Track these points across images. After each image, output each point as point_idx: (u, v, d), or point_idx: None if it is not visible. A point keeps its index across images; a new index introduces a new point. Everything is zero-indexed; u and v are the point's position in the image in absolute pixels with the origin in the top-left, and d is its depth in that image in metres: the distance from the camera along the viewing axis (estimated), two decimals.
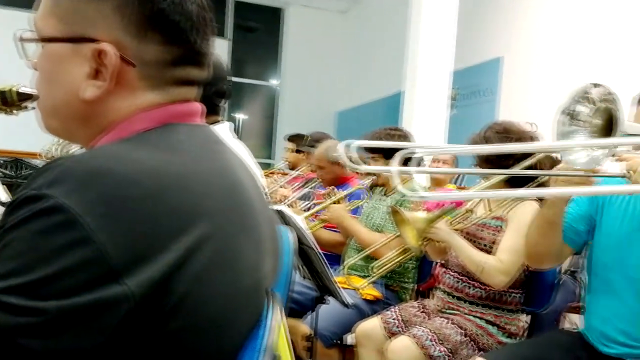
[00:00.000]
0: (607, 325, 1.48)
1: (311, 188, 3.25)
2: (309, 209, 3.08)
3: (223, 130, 1.47)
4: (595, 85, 1.16)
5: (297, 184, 3.58)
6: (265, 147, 9.33)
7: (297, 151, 3.86)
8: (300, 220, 1.77)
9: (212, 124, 1.46)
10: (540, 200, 1.96)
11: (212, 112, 1.48)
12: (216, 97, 1.46)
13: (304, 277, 2.04)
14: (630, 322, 1.44)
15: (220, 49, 8.60)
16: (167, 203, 0.60)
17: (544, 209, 1.52)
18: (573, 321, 3.09)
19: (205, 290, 0.62)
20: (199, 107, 0.78)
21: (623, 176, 1.26)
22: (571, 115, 1.22)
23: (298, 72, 8.80)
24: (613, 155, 1.18)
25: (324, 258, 1.80)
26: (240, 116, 9.40)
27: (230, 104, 8.95)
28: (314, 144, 3.30)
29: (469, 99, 6.22)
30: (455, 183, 4.21)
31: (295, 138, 3.99)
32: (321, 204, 2.64)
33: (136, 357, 0.60)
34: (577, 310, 2.56)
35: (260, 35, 9.37)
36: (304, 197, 3.23)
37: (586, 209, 1.55)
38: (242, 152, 1.46)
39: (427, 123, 4.76)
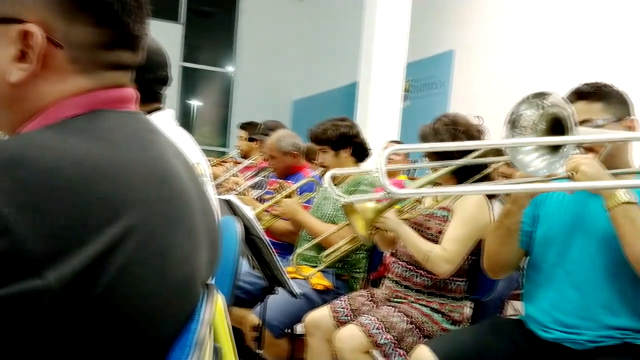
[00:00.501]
0: (545, 316, 1.54)
1: (264, 176, 3.23)
2: (260, 197, 3.06)
3: (165, 117, 1.44)
4: (547, 94, 1.19)
5: (249, 173, 3.54)
6: (220, 135, 9.21)
7: (250, 139, 3.82)
8: (248, 210, 1.75)
9: (153, 111, 1.42)
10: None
11: (153, 99, 1.44)
12: (156, 83, 1.42)
13: (253, 267, 2.03)
14: (566, 313, 1.50)
15: (173, 34, 8.43)
16: (90, 193, 0.58)
17: (503, 219, 1.55)
18: (516, 308, 3.20)
19: (131, 283, 0.61)
20: (132, 93, 0.75)
21: (568, 177, 1.32)
22: (513, 123, 1.25)
23: (254, 60, 8.70)
24: None
25: (273, 248, 1.80)
26: (194, 103, 9.24)
27: (184, 90, 8.80)
28: (267, 132, 3.27)
29: (422, 91, 6.31)
30: (407, 174, 4.27)
31: (248, 126, 3.95)
32: (273, 199, 2.62)
33: (63, 349, 0.58)
34: (520, 297, 2.65)
35: (215, 20, 9.21)
36: (256, 186, 3.21)
37: (530, 209, 1.59)
38: (184, 140, 1.43)
39: (381, 114, 4.80)
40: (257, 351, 2.06)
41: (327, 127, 2.49)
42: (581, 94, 1.51)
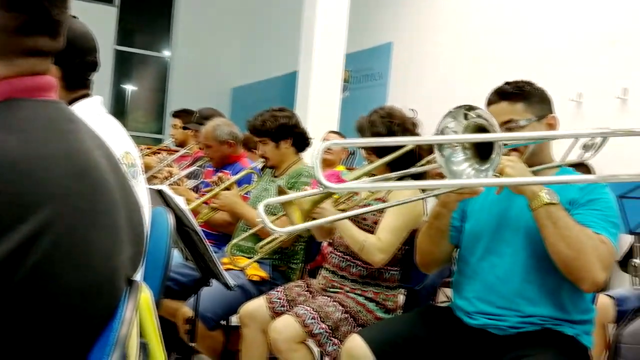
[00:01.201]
0: (470, 306, 1.60)
1: (199, 166, 3.16)
2: (196, 187, 3.00)
3: (92, 104, 1.38)
4: (467, 107, 1.23)
5: (185, 162, 3.46)
6: (155, 121, 8.96)
7: (184, 128, 3.73)
8: (181, 201, 1.71)
9: (80, 98, 1.36)
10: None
11: (81, 85, 1.37)
12: (84, 69, 1.36)
13: (187, 259, 1.99)
14: (489, 303, 1.56)
15: (107, 17, 8.09)
16: (1, 189, 0.54)
17: (434, 221, 1.60)
18: (448, 295, 3.31)
19: (48, 280, 0.58)
20: (51, 80, 0.71)
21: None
22: (439, 145, 1.30)
23: (191, 44, 8.48)
24: None
25: (207, 240, 1.77)
26: (129, 87, 8.94)
27: (117, 74, 8.49)
28: (201, 121, 3.19)
29: (362, 82, 6.38)
30: (345, 164, 4.31)
31: (182, 114, 3.84)
32: (212, 191, 2.56)
33: None
34: (451, 284, 2.75)
35: (151, 3, 8.90)
36: (191, 175, 3.13)
37: (459, 206, 1.64)
38: (113, 129, 1.37)
39: (321, 103, 4.81)
40: (190, 344, 2.02)
41: (266, 118, 2.46)
42: (503, 94, 1.56)
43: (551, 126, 1.57)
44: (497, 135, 1.24)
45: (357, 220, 2.03)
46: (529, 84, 1.58)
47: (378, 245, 1.92)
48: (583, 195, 1.49)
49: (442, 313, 1.69)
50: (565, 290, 1.50)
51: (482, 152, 1.29)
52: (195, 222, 1.75)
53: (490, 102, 1.58)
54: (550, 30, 4.36)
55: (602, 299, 2.10)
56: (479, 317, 1.57)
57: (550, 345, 1.46)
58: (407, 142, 1.89)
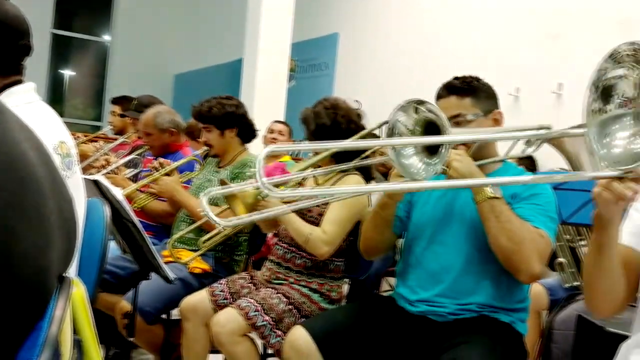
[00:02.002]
0: (412, 294, 1.64)
1: (138, 155, 3.05)
2: (135, 176, 2.90)
3: (25, 91, 1.31)
4: (418, 102, 1.25)
5: (123, 151, 3.34)
6: (94, 108, 8.63)
7: (122, 115, 3.60)
8: (118, 192, 1.65)
9: (12, 84, 1.29)
10: (364, 175, 2.08)
11: (13, 71, 1.30)
12: (16, 54, 1.29)
13: (124, 252, 1.93)
14: (430, 292, 1.60)
15: None
16: None
17: (379, 210, 1.63)
18: (391, 284, 3.37)
19: None
20: None
21: (443, 172, 1.42)
22: (392, 130, 1.31)
23: (133, 29, 8.19)
24: None
25: (144, 231, 1.71)
26: (66, 73, 8.57)
27: (55, 59, 8.13)
28: (141, 108, 3.09)
29: (308, 72, 6.36)
30: (291, 155, 4.29)
31: (121, 101, 3.71)
32: (151, 176, 2.47)
33: None
34: (394, 274, 2.80)
35: None
36: (130, 164, 3.02)
37: (405, 197, 1.68)
38: (46, 117, 1.30)
39: (267, 92, 4.76)
40: (129, 339, 1.96)
41: (213, 104, 2.40)
42: (452, 89, 1.61)
43: (497, 121, 1.63)
44: (446, 138, 1.27)
45: (302, 212, 2.02)
46: (477, 79, 1.63)
47: (323, 238, 1.92)
48: (525, 189, 1.55)
49: (384, 302, 1.72)
50: (503, 280, 1.55)
51: (431, 146, 1.33)
52: (133, 214, 1.69)
53: (439, 97, 1.63)
54: (491, 24, 4.48)
55: (536, 288, 2.20)
56: (420, 304, 1.61)
57: (486, 332, 1.51)
58: (353, 147, 1.87)
